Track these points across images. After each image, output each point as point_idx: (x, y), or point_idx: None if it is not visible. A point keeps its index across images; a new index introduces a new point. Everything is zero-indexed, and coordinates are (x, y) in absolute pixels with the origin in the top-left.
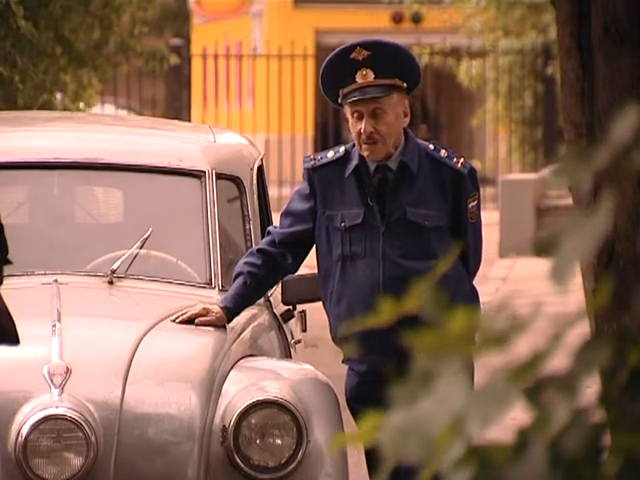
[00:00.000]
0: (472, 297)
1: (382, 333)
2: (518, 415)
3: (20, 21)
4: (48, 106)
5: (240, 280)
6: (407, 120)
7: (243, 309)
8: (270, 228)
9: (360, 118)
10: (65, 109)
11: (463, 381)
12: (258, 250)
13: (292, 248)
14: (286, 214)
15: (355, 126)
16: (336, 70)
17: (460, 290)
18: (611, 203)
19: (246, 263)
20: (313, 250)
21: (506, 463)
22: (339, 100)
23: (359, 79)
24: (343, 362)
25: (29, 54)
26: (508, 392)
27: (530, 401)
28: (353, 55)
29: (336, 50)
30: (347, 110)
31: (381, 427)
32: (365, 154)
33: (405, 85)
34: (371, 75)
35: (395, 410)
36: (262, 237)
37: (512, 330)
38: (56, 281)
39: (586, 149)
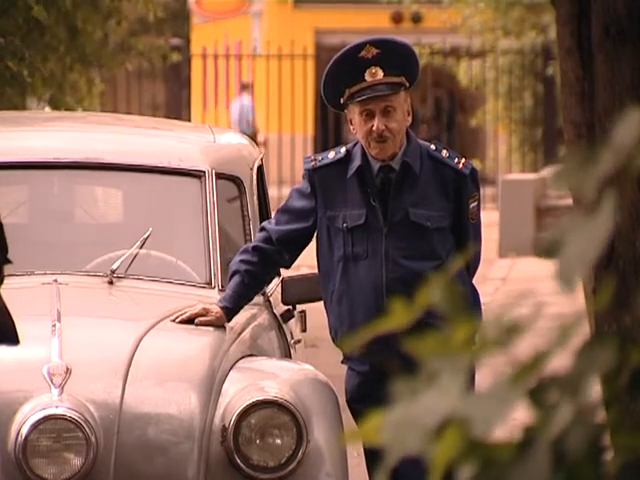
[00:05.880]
0: (473, 297)
1: (385, 334)
2: (519, 415)
3: (31, 3)
4: (57, 100)
5: (237, 279)
6: (410, 119)
7: (242, 307)
8: (265, 224)
9: (370, 116)
10: (67, 109)
11: (464, 377)
12: (254, 248)
13: (288, 245)
14: (283, 211)
15: (364, 125)
16: (343, 69)
17: None
18: (613, 204)
19: (242, 261)
20: (314, 250)
21: (508, 462)
22: (342, 100)
23: (368, 77)
24: (342, 362)
25: (37, 47)
26: (511, 393)
27: (533, 401)
28: (362, 53)
29: (343, 49)
30: (354, 110)
31: (382, 424)
32: (374, 152)
33: (408, 84)
34: (380, 73)
35: (395, 404)
36: None
37: (512, 331)
38: (56, 281)
39: (589, 152)
